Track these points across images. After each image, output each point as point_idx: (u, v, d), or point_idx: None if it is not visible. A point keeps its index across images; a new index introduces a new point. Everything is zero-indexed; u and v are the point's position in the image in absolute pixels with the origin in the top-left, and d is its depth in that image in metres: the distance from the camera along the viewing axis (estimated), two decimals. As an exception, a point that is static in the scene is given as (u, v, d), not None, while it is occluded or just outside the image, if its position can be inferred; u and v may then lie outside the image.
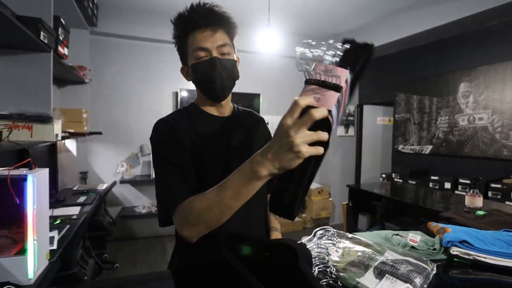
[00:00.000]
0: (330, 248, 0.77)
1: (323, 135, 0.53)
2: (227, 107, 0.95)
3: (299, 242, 0.69)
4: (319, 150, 0.54)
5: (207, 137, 0.87)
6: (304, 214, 4.43)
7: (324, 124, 0.52)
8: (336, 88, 0.53)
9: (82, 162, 3.45)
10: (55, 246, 1.47)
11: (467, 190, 2.88)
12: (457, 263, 0.86)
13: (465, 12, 2.80)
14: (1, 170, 1.10)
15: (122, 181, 3.57)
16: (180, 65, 0.95)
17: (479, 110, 3.12)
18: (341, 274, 0.69)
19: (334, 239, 0.82)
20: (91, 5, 2.85)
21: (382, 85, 4.27)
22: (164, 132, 0.85)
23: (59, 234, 1.63)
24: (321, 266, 0.69)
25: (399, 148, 4.00)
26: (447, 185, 3.09)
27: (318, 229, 0.84)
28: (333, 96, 0.52)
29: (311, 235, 0.83)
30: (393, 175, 3.73)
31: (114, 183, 3.11)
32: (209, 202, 0.67)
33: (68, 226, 1.77)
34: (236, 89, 0.97)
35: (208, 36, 0.83)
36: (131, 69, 3.72)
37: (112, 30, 3.46)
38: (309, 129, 0.52)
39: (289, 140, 0.52)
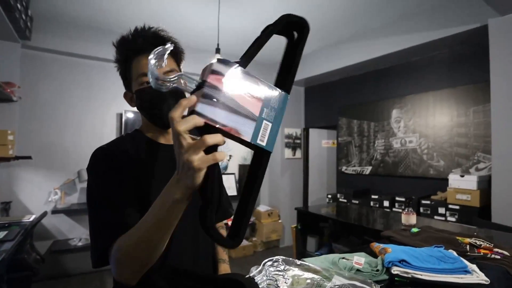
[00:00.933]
0: (279, 278, 0.76)
1: (209, 140, 0.46)
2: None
3: (247, 276, 0.67)
4: (216, 156, 0.48)
5: (152, 167, 0.82)
6: (254, 238, 4.40)
7: (205, 129, 0.46)
8: (198, 87, 0.48)
9: (4, 190, 3.02)
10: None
11: (403, 207, 3.14)
12: (398, 282, 0.91)
13: (396, 47, 3.18)
14: None
15: (55, 211, 3.20)
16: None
17: (409, 134, 3.48)
18: (292, 305, 0.68)
19: (282, 267, 0.81)
20: (23, 16, 2.62)
21: (326, 109, 4.56)
22: (102, 162, 0.77)
23: (-32, 279, 1.38)
24: None
25: (343, 169, 4.25)
26: (386, 203, 3.34)
27: (266, 260, 0.83)
28: (196, 96, 0.47)
29: (261, 266, 0.81)
30: (338, 195, 3.92)
31: (44, 214, 2.75)
32: (134, 237, 0.62)
33: (-19, 269, 1.50)
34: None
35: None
36: (70, 87, 3.44)
37: (49, 45, 3.20)
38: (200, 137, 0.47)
39: (181, 157, 0.48)
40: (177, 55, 0.86)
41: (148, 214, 0.60)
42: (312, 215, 2.81)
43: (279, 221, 4.47)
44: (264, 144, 0.50)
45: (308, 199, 4.85)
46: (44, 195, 3.27)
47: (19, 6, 2.43)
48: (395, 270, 0.91)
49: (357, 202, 3.59)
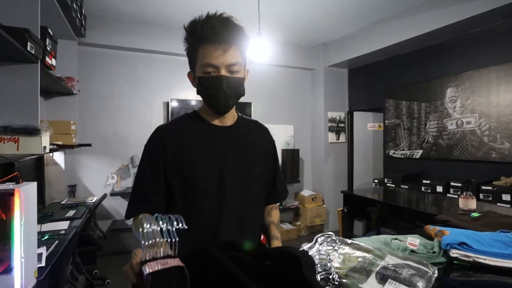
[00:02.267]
0: (332, 254, 0.76)
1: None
2: (229, 118, 0.98)
3: (301, 249, 0.67)
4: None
5: (202, 143, 0.91)
6: (298, 222, 4.41)
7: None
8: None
9: (70, 175, 3.36)
10: (43, 263, 1.41)
11: (459, 193, 2.91)
12: (457, 266, 0.86)
13: (450, 19, 2.89)
14: (-15, 185, 1.05)
15: (113, 194, 3.49)
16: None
17: (466, 114, 3.18)
18: (344, 280, 0.68)
19: (336, 245, 0.81)
20: (79, 16, 2.83)
21: (371, 91, 4.34)
22: (151, 143, 0.93)
23: (47, 250, 1.57)
24: (324, 273, 0.68)
25: (390, 153, 4.04)
26: (439, 189, 3.13)
27: (319, 235, 0.83)
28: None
29: (313, 242, 0.82)
30: (385, 180, 3.75)
31: (104, 196, 3.03)
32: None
33: (56, 241, 1.70)
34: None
35: (219, 54, 0.84)
36: (120, 79, 3.68)
37: (101, 40, 3.43)
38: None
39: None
40: (243, 45, 0.89)
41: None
42: (359, 198, 2.73)
43: (323, 206, 4.42)
44: None
45: (353, 184, 4.71)
46: (103, 179, 3.58)
47: (74, 6, 2.63)
48: (454, 253, 0.85)
49: (406, 187, 3.41)
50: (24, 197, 1.05)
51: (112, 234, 3.45)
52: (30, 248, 1.12)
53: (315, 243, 0.80)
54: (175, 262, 0.51)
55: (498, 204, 2.57)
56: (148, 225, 0.54)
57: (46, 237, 1.76)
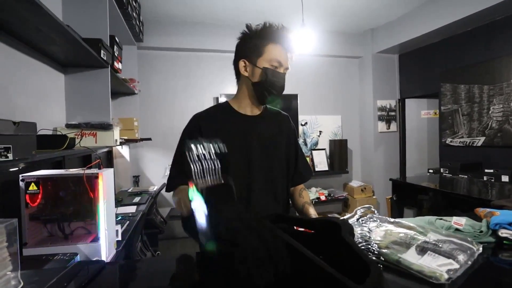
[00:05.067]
0: (373, 229, 0.81)
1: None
2: (259, 108, 1.17)
3: (341, 218, 0.74)
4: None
5: (234, 130, 1.10)
6: (347, 213, 4.36)
7: None
8: None
9: (134, 166, 3.76)
10: (119, 238, 1.65)
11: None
12: (507, 246, 0.85)
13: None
14: (77, 170, 1.29)
15: (170, 184, 3.82)
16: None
17: (538, 95, 2.86)
18: (383, 250, 0.73)
19: (377, 222, 0.86)
20: (138, 23, 3.12)
21: (425, 76, 4.08)
22: (187, 129, 1.16)
23: (121, 228, 1.83)
24: (364, 243, 0.74)
25: (447, 142, 3.78)
26: (505, 178, 2.86)
27: (359, 207, 0.88)
28: None
29: (353, 213, 0.87)
30: (442, 170, 3.53)
31: (163, 185, 3.34)
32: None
33: (128, 222, 1.96)
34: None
35: (287, 57, 1.08)
36: (174, 78, 3.98)
37: (156, 43, 3.75)
38: None
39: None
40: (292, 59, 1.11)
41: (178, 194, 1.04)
42: (409, 186, 2.64)
43: (373, 197, 4.31)
44: None
45: (405, 174, 4.50)
46: (162, 170, 3.94)
47: (134, 14, 2.92)
48: (504, 232, 0.84)
49: (465, 176, 3.18)
50: (106, 180, 1.26)
51: (170, 220, 3.78)
52: (110, 223, 1.34)
53: (354, 214, 0.85)
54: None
55: None
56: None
57: (119, 218, 2.04)
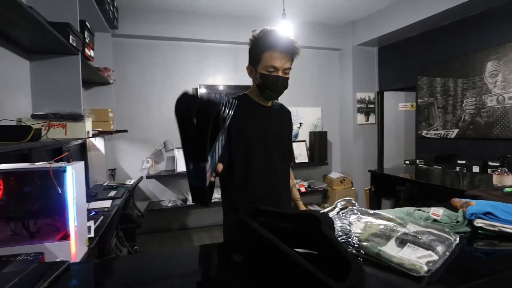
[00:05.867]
0: (353, 222, 0.80)
1: None
2: (269, 101, 1.35)
3: (322, 211, 0.72)
4: None
5: (254, 119, 1.27)
6: (326, 204, 4.43)
7: None
8: None
9: (110, 159, 3.62)
10: (92, 234, 1.58)
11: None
12: (482, 235, 0.86)
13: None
14: (43, 164, 1.20)
15: (148, 176, 3.72)
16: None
17: (509, 89, 2.98)
18: (364, 243, 0.72)
19: (357, 215, 0.85)
20: (111, 8, 2.97)
21: (403, 70, 4.16)
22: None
23: (94, 224, 1.75)
24: (344, 237, 0.72)
25: (423, 134, 3.90)
26: (475, 169, 2.99)
27: (339, 200, 0.87)
28: None
29: (333, 205, 0.86)
30: (417, 161, 3.64)
31: (140, 179, 3.25)
32: None
33: (102, 217, 1.88)
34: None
35: (282, 61, 1.20)
36: (152, 68, 3.84)
37: (132, 31, 3.59)
38: None
39: None
40: (295, 56, 1.27)
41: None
42: (387, 177, 2.70)
43: (352, 188, 4.39)
44: None
45: (383, 166, 4.62)
46: (139, 163, 3.82)
47: (107, -2, 2.76)
48: (479, 222, 0.86)
49: (439, 167, 3.29)
50: (75, 174, 1.19)
51: (149, 214, 3.69)
52: (81, 220, 1.27)
53: (335, 207, 0.84)
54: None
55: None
56: None
57: (92, 213, 1.95)
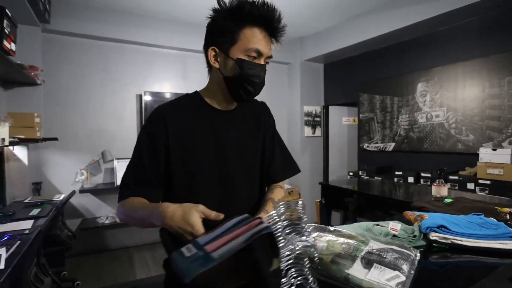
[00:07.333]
0: (313, 240, 0.74)
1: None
2: (237, 103, 0.95)
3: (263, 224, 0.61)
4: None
5: (204, 130, 0.88)
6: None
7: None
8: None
9: (34, 171, 3.14)
10: (2, 266, 1.30)
11: (429, 183, 3.04)
12: (437, 248, 0.87)
13: (422, 16, 2.98)
14: None
15: (82, 190, 3.31)
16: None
17: (435, 108, 3.32)
18: (330, 267, 0.66)
19: (316, 229, 0.79)
20: None
21: (346, 86, 4.42)
22: (149, 125, 0.87)
23: (7, 252, 1.45)
24: (300, 278, 0.62)
25: (364, 147, 4.15)
26: (410, 180, 3.25)
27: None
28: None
29: (276, 211, 0.69)
30: (360, 172, 3.84)
31: (72, 193, 2.86)
32: (132, 212, 0.80)
33: (18, 242, 1.58)
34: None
35: (267, 44, 0.85)
36: (90, 71, 3.48)
37: (68, 28, 3.21)
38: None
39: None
40: (277, 45, 0.89)
41: (142, 209, 0.77)
42: (336, 189, 2.77)
43: (300, 199, 4.46)
44: None
45: (328, 177, 4.80)
46: (72, 175, 3.39)
47: (37, -13, 2.44)
48: (434, 235, 0.87)
49: (379, 178, 3.51)
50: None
51: (82, 233, 3.28)
52: (-14, 249, 1.02)
53: (279, 220, 0.68)
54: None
55: (464, 192, 2.71)
56: None
57: (5, 238, 1.63)
